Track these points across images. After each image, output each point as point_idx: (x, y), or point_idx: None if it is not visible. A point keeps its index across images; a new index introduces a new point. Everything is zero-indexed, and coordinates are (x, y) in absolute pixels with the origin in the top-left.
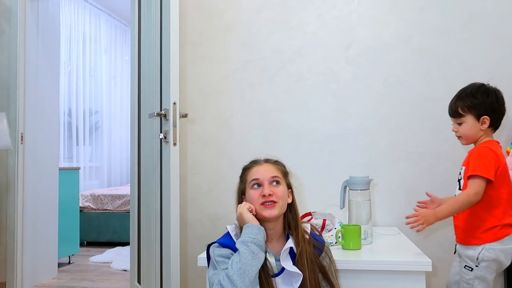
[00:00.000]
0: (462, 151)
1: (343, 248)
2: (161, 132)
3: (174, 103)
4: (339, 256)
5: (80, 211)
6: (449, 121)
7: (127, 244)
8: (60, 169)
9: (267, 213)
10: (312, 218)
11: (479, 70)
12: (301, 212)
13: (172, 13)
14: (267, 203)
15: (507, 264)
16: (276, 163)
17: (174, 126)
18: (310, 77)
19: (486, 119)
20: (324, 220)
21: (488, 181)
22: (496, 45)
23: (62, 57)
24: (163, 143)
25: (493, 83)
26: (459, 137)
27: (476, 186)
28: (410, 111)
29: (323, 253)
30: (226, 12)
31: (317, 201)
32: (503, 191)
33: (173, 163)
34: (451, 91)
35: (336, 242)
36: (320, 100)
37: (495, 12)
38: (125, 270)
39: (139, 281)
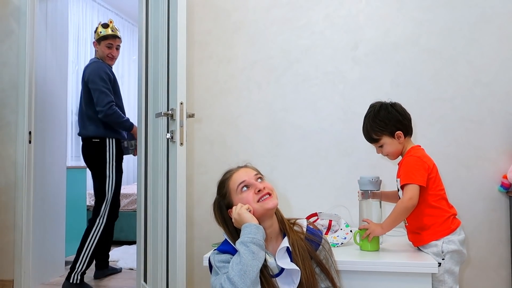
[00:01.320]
0: (470, 152)
1: (361, 249)
2: (168, 132)
3: (181, 103)
4: (342, 257)
5: (87, 209)
6: (457, 121)
7: (133, 243)
8: (68, 168)
9: (269, 204)
10: (318, 218)
11: (488, 70)
12: (307, 213)
13: (179, 13)
14: (265, 197)
15: (466, 253)
16: (248, 166)
17: (181, 126)
18: (318, 77)
19: (400, 133)
20: (330, 220)
21: (421, 187)
22: (505, 45)
23: (70, 56)
24: (170, 142)
25: (501, 84)
26: (386, 155)
27: (409, 192)
28: (418, 111)
29: (321, 246)
30: (233, 12)
31: (323, 201)
32: (441, 188)
33: (180, 162)
34: (460, 91)
35: (342, 243)
36: (328, 100)
37: (504, 13)
38: (132, 269)
39: (145, 280)
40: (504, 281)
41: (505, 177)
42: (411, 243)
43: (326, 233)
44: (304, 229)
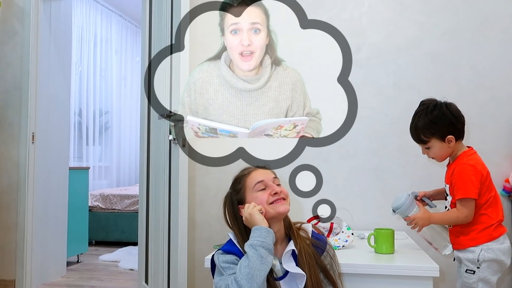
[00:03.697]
0: None
1: (376, 252)
2: (170, 133)
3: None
4: (344, 260)
5: (89, 210)
6: None
7: (135, 244)
8: (70, 168)
9: (281, 208)
10: (319, 221)
11: (491, 74)
12: (308, 216)
13: (182, 14)
14: (279, 200)
15: (508, 263)
16: (267, 168)
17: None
18: (320, 80)
19: (451, 138)
20: (332, 223)
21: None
22: (508, 49)
23: (73, 58)
24: (172, 144)
25: (504, 87)
26: (432, 158)
27: (466, 210)
28: None
29: (325, 252)
30: None
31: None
32: (491, 194)
33: (182, 164)
34: (462, 95)
35: (343, 246)
36: (330, 103)
37: (507, 16)
38: (132, 269)
39: (146, 281)
40: (505, 286)
41: (507, 181)
42: (412, 245)
43: (328, 236)
44: (309, 234)
